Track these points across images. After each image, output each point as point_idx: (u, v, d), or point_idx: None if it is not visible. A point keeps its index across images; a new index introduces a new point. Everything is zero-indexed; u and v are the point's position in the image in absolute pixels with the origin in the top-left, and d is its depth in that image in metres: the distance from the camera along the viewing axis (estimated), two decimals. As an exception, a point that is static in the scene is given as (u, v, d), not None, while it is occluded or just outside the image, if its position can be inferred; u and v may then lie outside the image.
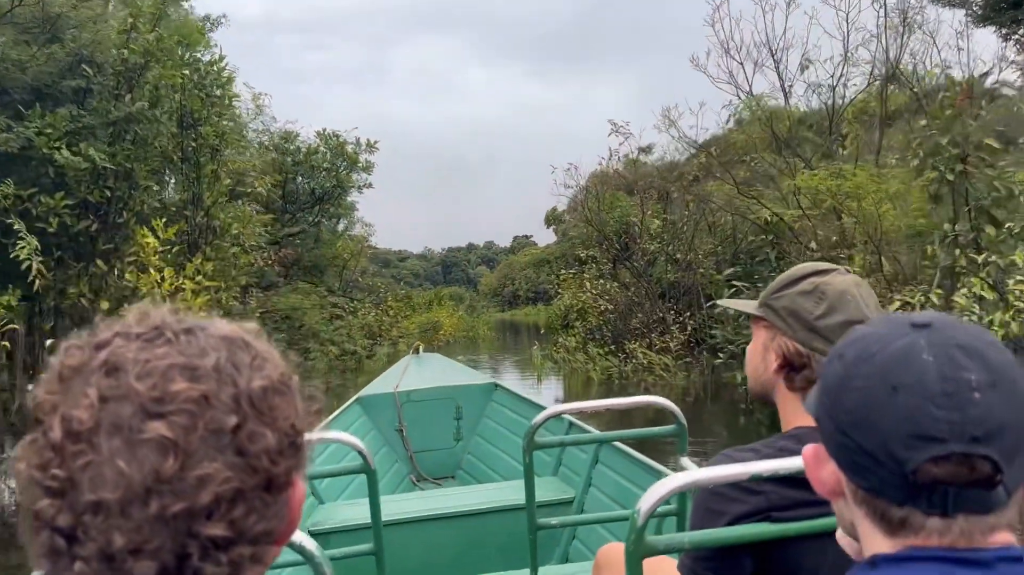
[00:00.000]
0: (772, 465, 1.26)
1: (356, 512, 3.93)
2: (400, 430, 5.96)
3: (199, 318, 0.67)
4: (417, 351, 7.36)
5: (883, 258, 10.76)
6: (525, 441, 2.66)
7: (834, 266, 1.47)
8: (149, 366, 0.60)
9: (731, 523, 1.31)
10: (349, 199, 28.52)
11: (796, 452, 1.09)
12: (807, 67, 17.50)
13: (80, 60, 12.26)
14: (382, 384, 6.37)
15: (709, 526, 1.33)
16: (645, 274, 20.09)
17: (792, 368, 1.41)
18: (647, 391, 15.43)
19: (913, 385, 0.73)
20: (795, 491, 1.27)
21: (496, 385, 6.33)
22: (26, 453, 0.60)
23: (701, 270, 19.79)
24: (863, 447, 0.75)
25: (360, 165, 26.14)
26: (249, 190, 15.85)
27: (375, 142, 26.17)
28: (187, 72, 12.92)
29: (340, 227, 29.58)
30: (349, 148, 25.69)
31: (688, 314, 19.46)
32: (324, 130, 25.61)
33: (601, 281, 20.68)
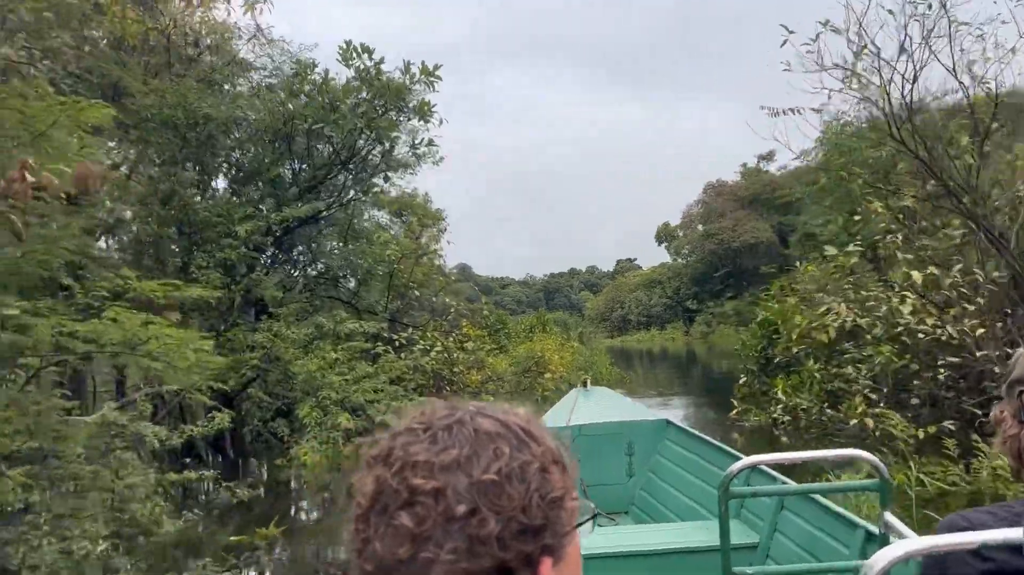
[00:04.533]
0: (1007, 534, 1.21)
1: None
2: None
3: (476, 409, 0.76)
4: (585, 384, 7.59)
5: None
6: (720, 489, 2.75)
7: None
8: (405, 461, 0.71)
9: None
10: (402, 175, 18.19)
11: None
12: None
13: None
14: (553, 418, 6.42)
15: None
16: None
17: None
18: None
19: None
20: None
21: (668, 422, 6.27)
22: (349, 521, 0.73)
23: None
24: None
25: (412, 105, 15.76)
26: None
27: (437, 67, 15.79)
28: None
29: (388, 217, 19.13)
30: (395, 75, 15.34)
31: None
32: (349, 44, 15.34)
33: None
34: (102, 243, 15.93)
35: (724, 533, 2.73)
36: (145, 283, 5.18)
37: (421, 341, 16.85)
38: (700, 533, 4.35)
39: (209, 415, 10.27)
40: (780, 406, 11.98)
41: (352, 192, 17.10)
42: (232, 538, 6.80)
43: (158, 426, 9.18)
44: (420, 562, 0.67)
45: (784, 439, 11.57)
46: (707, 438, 5.72)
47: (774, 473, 4.48)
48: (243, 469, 14.60)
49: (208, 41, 17.52)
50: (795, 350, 12.85)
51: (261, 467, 14.31)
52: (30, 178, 4.06)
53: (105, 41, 15.83)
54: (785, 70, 9.19)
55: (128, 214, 16.34)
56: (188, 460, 11.72)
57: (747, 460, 2.86)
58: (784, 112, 11.05)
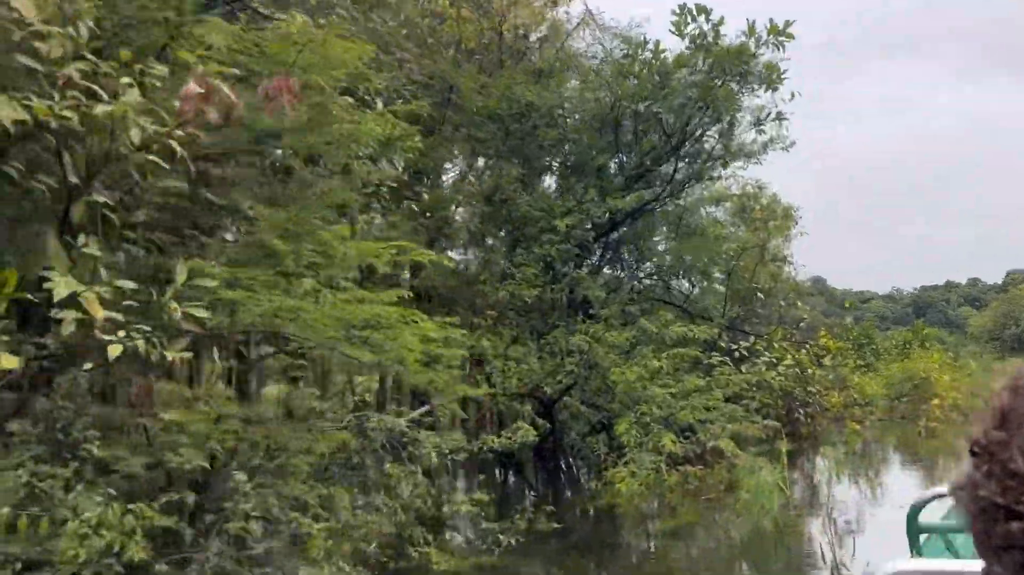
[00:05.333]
0: None
1: None
2: None
3: None
4: None
5: None
6: None
7: None
8: None
9: None
10: (744, 164, 15.63)
11: None
12: None
13: None
14: None
15: None
16: None
17: None
18: None
19: None
20: None
21: None
22: (980, 481, 0.65)
23: None
24: None
25: (757, 71, 13.27)
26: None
27: (788, 24, 13.11)
28: None
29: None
30: (734, 39, 13.04)
31: None
32: (683, 7, 13.36)
33: None
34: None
35: None
36: (363, 244, 3.91)
37: (766, 353, 14.17)
38: None
39: (514, 427, 9.10)
40: None
41: (685, 183, 15.09)
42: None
43: (460, 435, 8.14)
44: None
45: None
46: None
47: None
48: (564, 484, 13.40)
49: (539, 33, 16.96)
50: None
51: (588, 483, 13.01)
52: (197, 88, 2.89)
53: (452, 49, 15.94)
54: None
55: (463, 212, 16.27)
56: (482, 475, 10.74)
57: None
58: None
